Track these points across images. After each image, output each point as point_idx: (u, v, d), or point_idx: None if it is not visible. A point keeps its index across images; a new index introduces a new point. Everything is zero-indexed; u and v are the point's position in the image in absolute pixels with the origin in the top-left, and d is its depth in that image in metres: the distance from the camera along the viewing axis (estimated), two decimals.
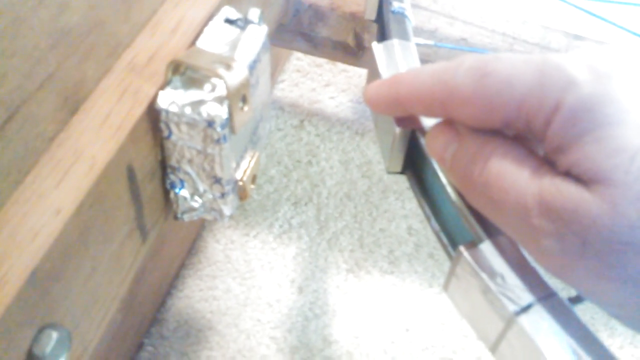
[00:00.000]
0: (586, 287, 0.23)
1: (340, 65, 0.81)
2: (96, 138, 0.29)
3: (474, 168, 0.25)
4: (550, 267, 0.24)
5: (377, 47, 0.36)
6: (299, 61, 0.83)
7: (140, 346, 0.56)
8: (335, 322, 0.61)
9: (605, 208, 0.21)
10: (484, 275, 0.26)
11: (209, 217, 0.38)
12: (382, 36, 0.40)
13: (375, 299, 0.63)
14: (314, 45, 0.56)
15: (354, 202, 0.70)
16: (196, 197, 0.36)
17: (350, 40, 0.54)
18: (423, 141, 0.31)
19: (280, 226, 0.67)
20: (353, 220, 0.69)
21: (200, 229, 0.64)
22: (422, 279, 0.65)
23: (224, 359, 0.57)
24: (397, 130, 0.32)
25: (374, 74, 0.36)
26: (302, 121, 0.76)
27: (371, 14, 0.45)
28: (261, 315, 0.60)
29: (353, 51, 0.55)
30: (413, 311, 0.63)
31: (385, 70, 0.35)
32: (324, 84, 0.81)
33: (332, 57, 0.57)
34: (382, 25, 0.41)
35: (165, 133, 0.32)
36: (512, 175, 0.24)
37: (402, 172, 0.34)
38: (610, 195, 0.21)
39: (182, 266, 0.61)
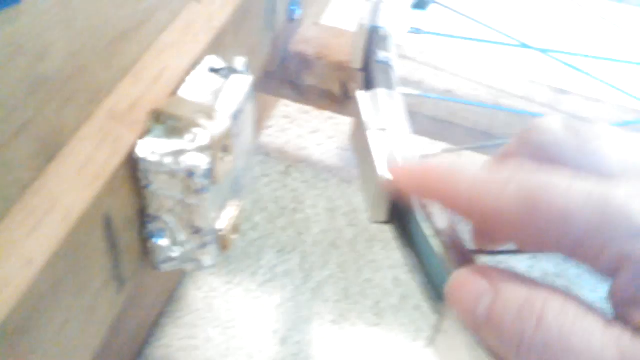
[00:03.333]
0: None
1: (328, 113, 0.81)
2: (72, 186, 0.28)
3: (525, 326, 0.21)
4: None
5: (361, 96, 0.36)
6: (287, 107, 0.83)
7: None
8: None
9: None
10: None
11: (188, 267, 0.37)
12: (368, 85, 0.40)
13: (359, 352, 0.62)
14: (301, 93, 0.56)
15: (340, 251, 0.69)
16: (175, 247, 0.35)
17: (336, 89, 0.55)
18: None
19: (264, 274, 0.66)
20: (338, 270, 0.68)
21: (181, 276, 0.63)
22: (408, 331, 0.64)
23: None
24: (381, 178, 0.31)
25: (358, 122, 0.36)
26: (288, 167, 0.76)
27: (357, 63, 0.45)
28: None
29: (339, 99, 0.55)
30: None
31: (369, 119, 0.35)
32: (311, 131, 0.81)
33: (318, 105, 0.57)
34: (368, 74, 0.41)
35: (145, 182, 0.31)
36: (580, 334, 0.21)
37: (386, 222, 0.34)
38: None
39: (161, 314, 0.60)
